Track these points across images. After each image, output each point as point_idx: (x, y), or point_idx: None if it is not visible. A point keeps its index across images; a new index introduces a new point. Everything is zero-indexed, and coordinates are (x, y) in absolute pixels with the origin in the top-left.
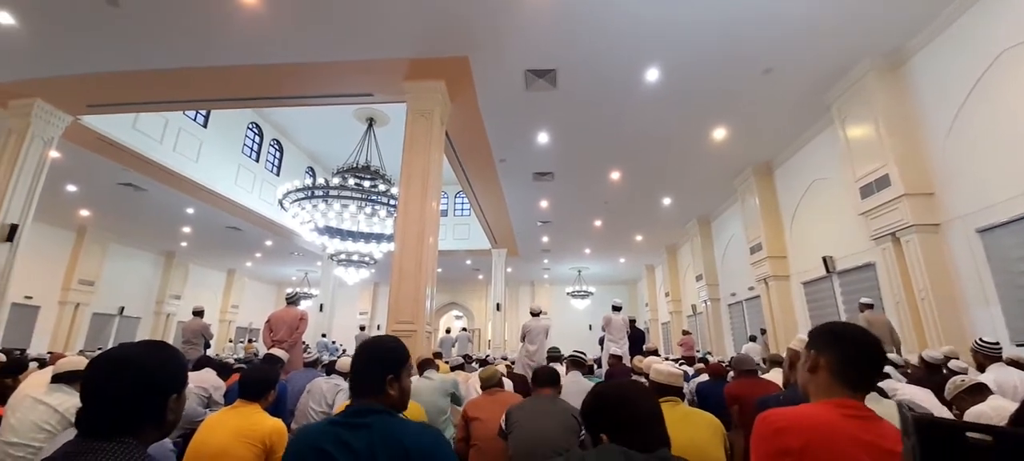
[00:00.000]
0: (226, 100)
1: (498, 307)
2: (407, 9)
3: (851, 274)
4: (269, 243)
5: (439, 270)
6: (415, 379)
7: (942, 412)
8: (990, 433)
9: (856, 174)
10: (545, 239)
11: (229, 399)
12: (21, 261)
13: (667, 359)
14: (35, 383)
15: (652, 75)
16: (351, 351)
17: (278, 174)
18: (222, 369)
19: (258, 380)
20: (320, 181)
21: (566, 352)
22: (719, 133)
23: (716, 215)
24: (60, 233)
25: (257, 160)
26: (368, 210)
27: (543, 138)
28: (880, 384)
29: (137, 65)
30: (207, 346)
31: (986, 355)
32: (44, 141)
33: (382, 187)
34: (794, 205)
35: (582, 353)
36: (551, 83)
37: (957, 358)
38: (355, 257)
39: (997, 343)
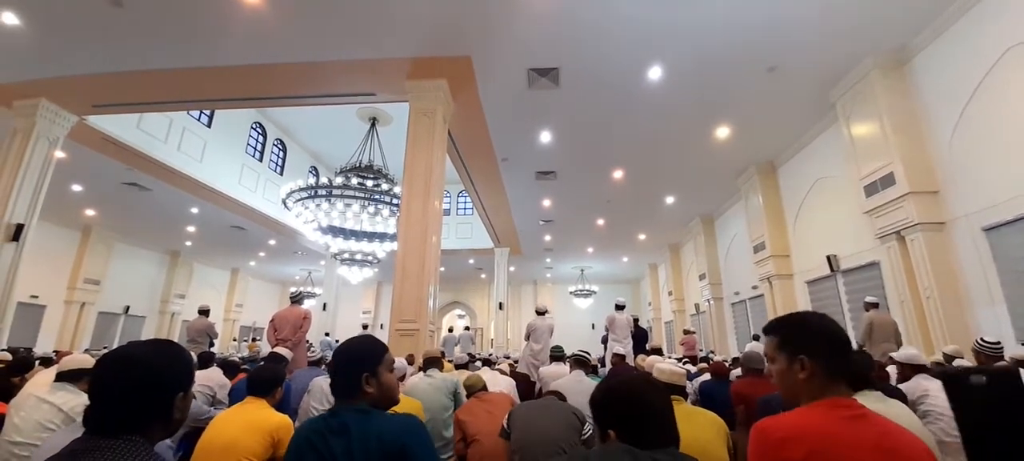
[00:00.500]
0: (230, 100)
1: (501, 306)
2: (409, 8)
3: (855, 273)
4: (273, 242)
5: (442, 269)
6: (417, 377)
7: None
8: (983, 374)
9: (860, 172)
10: (548, 238)
11: (236, 397)
12: (27, 260)
13: (669, 358)
14: (39, 382)
15: (655, 73)
16: None
17: (282, 173)
18: (227, 368)
19: (266, 378)
20: (323, 180)
21: (568, 351)
22: (722, 132)
23: (719, 214)
24: (66, 232)
25: (261, 160)
26: (371, 209)
27: (545, 137)
28: (907, 383)
29: (141, 65)
30: (211, 345)
31: (988, 355)
32: (49, 141)
33: (385, 186)
34: (798, 204)
35: (586, 352)
36: (554, 82)
37: (961, 357)
38: (358, 256)
39: (998, 343)
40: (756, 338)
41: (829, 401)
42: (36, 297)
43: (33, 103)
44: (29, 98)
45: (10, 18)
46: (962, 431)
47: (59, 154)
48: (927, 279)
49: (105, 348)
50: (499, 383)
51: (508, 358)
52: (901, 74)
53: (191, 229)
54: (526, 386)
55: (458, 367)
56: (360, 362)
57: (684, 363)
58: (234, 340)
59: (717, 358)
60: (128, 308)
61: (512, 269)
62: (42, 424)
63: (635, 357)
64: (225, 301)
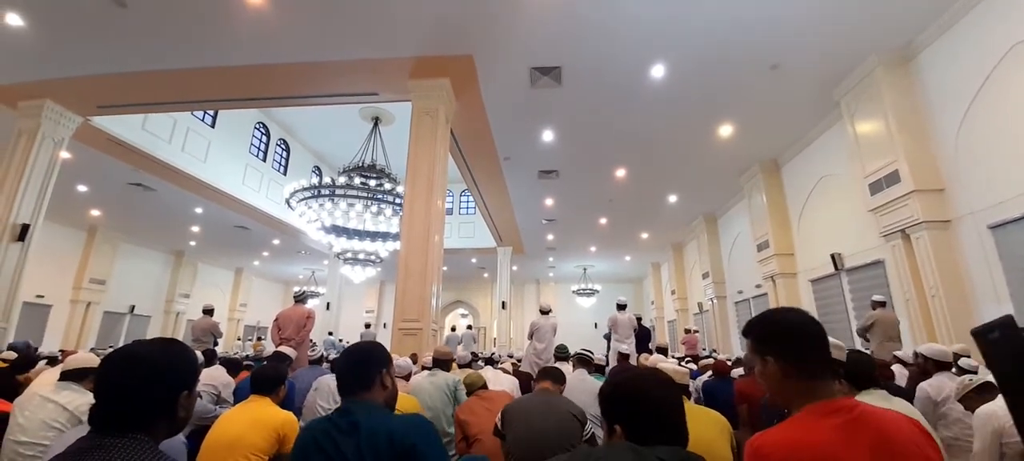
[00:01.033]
0: (233, 100)
1: (503, 305)
2: (411, 8)
3: (860, 271)
4: (276, 242)
5: (445, 268)
6: (422, 375)
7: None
8: (996, 329)
9: (865, 170)
10: (550, 237)
11: (240, 396)
12: (33, 260)
13: (672, 358)
14: (44, 381)
15: (658, 72)
16: None
17: (285, 173)
18: (230, 365)
19: (269, 376)
20: (326, 180)
21: (572, 350)
22: (726, 130)
23: (722, 212)
24: (71, 233)
25: (264, 160)
26: (374, 209)
27: (548, 136)
28: (930, 380)
29: (145, 66)
30: (215, 344)
31: None
32: (54, 142)
33: (388, 186)
34: (802, 202)
35: (589, 351)
36: (556, 80)
37: (969, 355)
38: (361, 256)
39: None
40: None
41: (819, 407)
42: (42, 297)
43: (38, 104)
44: (34, 99)
45: (14, 19)
46: (1000, 387)
47: (64, 155)
48: (932, 277)
49: (110, 347)
50: (502, 382)
51: (511, 357)
52: (906, 71)
53: (195, 229)
54: (529, 385)
55: (461, 366)
56: (378, 360)
57: (686, 362)
58: (238, 339)
59: (721, 357)
60: (133, 307)
61: (515, 268)
62: (47, 423)
63: (638, 356)
64: (229, 301)
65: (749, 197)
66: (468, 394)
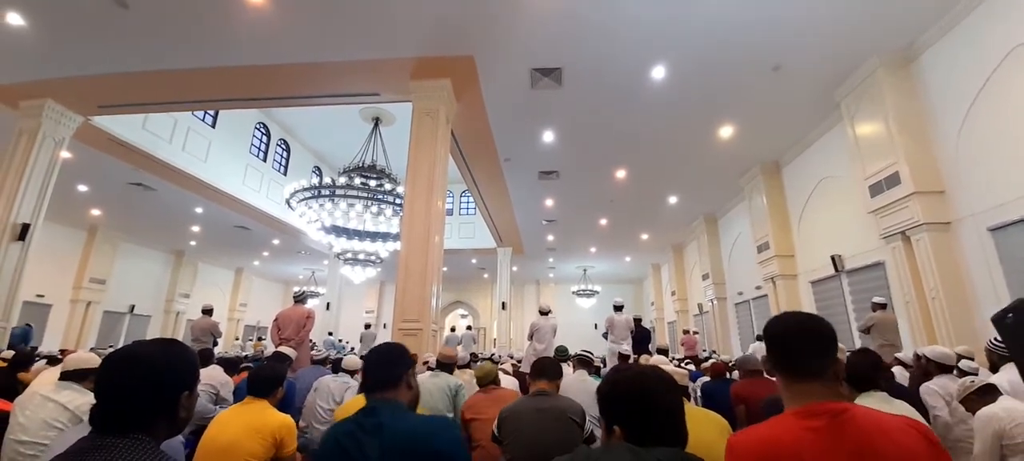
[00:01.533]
0: (234, 100)
1: (503, 306)
2: (412, 8)
3: (860, 273)
4: (276, 242)
5: (445, 269)
6: (426, 375)
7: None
8: (1011, 312)
9: (866, 172)
10: (550, 238)
11: (240, 396)
12: (33, 260)
13: (673, 359)
14: (44, 381)
15: (659, 73)
16: (358, 349)
17: (285, 173)
18: (229, 365)
19: (266, 377)
20: (327, 180)
21: (571, 351)
22: (726, 131)
23: (723, 213)
24: (72, 232)
25: (264, 160)
26: (374, 209)
27: (548, 137)
28: (932, 381)
29: (146, 66)
30: (215, 344)
31: (1000, 355)
32: (55, 141)
33: (388, 186)
34: (802, 204)
35: (589, 352)
36: (557, 81)
37: (972, 358)
38: (361, 256)
39: None
40: (760, 338)
41: (803, 408)
42: (42, 296)
43: (39, 104)
44: (35, 99)
45: (15, 19)
46: (1018, 366)
47: (65, 154)
48: (933, 279)
49: (110, 347)
50: (503, 382)
51: (511, 358)
52: (907, 73)
53: (196, 229)
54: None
55: (460, 367)
56: (405, 361)
57: (686, 363)
58: (236, 339)
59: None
60: (133, 307)
61: (515, 269)
62: (48, 422)
63: (637, 358)
64: (229, 301)
65: (749, 198)
66: (480, 386)
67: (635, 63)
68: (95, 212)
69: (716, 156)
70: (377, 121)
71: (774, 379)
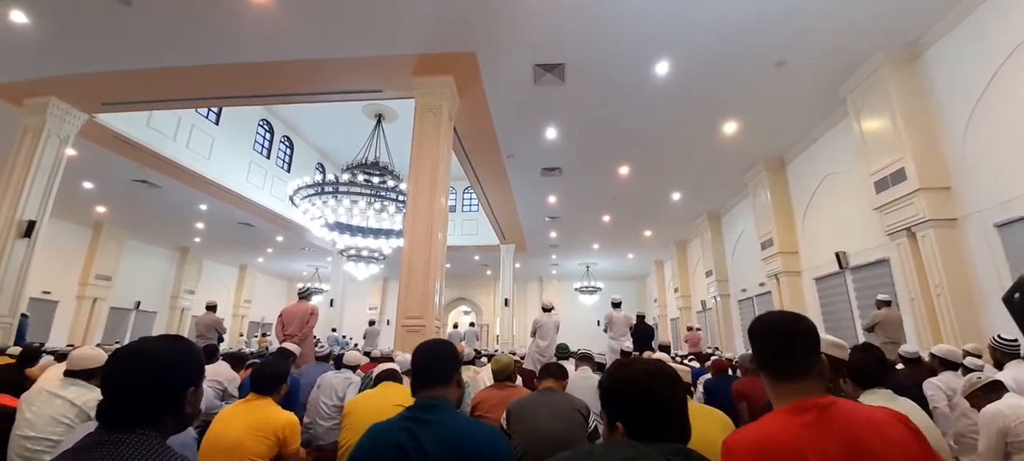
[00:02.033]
0: (237, 97)
1: (506, 302)
2: (415, 5)
3: (864, 270)
4: (280, 239)
5: (447, 265)
6: None
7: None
8: (1017, 290)
9: (871, 168)
10: (553, 235)
11: (243, 393)
12: (39, 256)
13: (676, 357)
14: (51, 377)
15: (662, 68)
16: (361, 345)
17: (288, 170)
18: (235, 360)
19: (270, 375)
20: (330, 177)
21: (574, 347)
22: (730, 127)
23: (726, 210)
24: (77, 229)
25: (268, 157)
26: (377, 206)
27: (551, 133)
28: (936, 377)
29: (150, 63)
30: (220, 340)
31: (1004, 352)
32: (60, 139)
33: (391, 183)
34: (806, 200)
35: (590, 353)
36: (559, 78)
37: (979, 355)
38: (364, 253)
39: (1015, 340)
40: None
41: (792, 405)
42: (48, 292)
43: (43, 101)
44: (39, 96)
45: (18, 16)
46: None
47: (70, 152)
48: (938, 276)
49: (117, 343)
50: None
51: (514, 354)
52: (913, 68)
53: (200, 225)
54: (532, 382)
55: (464, 363)
56: (456, 358)
57: (689, 360)
58: (241, 335)
59: (725, 355)
60: (139, 303)
61: (517, 265)
62: (55, 418)
63: (639, 355)
64: (234, 297)
65: (753, 195)
66: (496, 380)
67: (638, 58)
68: (100, 209)
69: (720, 152)
70: (380, 118)
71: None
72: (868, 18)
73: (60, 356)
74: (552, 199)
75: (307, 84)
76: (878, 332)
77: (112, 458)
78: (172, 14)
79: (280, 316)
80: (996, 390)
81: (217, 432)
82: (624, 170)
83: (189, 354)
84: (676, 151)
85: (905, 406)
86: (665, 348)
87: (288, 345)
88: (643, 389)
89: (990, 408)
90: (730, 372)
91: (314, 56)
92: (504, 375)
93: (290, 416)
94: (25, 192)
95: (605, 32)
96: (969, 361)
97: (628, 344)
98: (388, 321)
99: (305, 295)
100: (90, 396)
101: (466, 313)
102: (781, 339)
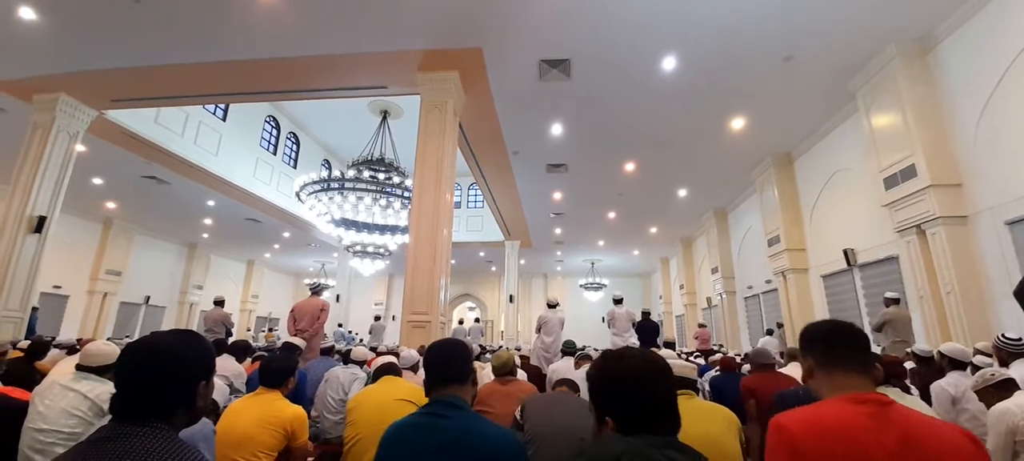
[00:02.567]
0: (245, 94)
1: (511, 299)
2: (421, 1)
3: (873, 267)
4: (287, 235)
5: (453, 262)
6: None
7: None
8: None
9: (881, 164)
10: (558, 231)
11: (253, 386)
12: (50, 252)
13: (681, 353)
14: (63, 370)
15: (669, 64)
16: (367, 340)
17: (295, 167)
18: (239, 352)
19: (278, 369)
20: (336, 174)
21: (579, 344)
22: (737, 123)
23: (733, 207)
24: (87, 225)
25: (275, 153)
26: (383, 202)
27: (557, 129)
28: (946, 378)
29: (158, 60)
30: (228, 335)
31: (1009, 352)
32: (69, 135)
33: (396, 179)
34: (814, 196)
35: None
36: (565, 73)
37: (988, 354)
38: (370, 249)
39: (1020, 339)
40: (770, 333)
41: (850, 395)
42: (59, 287)
43: (53, 97)
44: (49, 93)
45: (28, 13)
46: None
47: (79, 148)
48: (948, 274)
49: (127, 337)
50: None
51: (519, 350)
52: (924, 63)
53: (208, 221)
54: (538, 378)
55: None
56: (470, 358)
57: (696, 357)
58: (248, 330)
59: (730, 353)
60: (149, 298)
61: (522, 262)
62: (68, 411)
63: None
64: (241, 292)
65: (760, 191)
66: (496, 375)
67: (644, 53)
68: (110, 205)
69: (727, 148)
70: (385, 114)
71: (787, 372)
72: (878, 12)
73: (69, 349)
74: (557, 195)
75: (313, 80)
76: (887, 331)
77: (125, 451)
78: (179, 11)
79: (292, 311)
80: (1007, 388)
81: (227, 425)
82: (630, 167)
83: (200, 349)
84: (682, 147)
85: (915, 403)
86: (670, 345)
87: (294, 339)
88: (633, 382)
89: (999, 407)
90: (738, 369)
91: (320, 52)
92: (505, 370)
93: (298, 409)
94: (35, 188)
95: (611, 27)
96: (979, 360)
97: (632, 340)
98: (393, 317)
99: (317, 290)
100: (103, 389)
101: (471, 309)
102: (842, 336)
